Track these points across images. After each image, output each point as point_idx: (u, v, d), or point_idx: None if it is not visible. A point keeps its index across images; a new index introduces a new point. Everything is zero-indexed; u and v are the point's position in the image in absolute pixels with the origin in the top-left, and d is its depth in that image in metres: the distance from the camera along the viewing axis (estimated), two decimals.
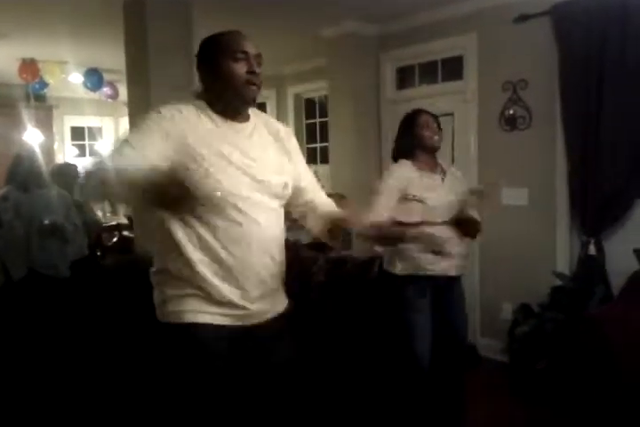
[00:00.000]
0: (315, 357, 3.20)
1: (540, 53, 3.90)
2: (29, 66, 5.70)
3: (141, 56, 3.74)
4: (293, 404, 1.83)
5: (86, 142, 8.66)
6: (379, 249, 3.04)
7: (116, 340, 3.03)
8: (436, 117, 2.85)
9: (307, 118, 6.55)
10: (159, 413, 1.80)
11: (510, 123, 4.10)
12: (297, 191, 1.86)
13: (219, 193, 1.59)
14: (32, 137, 6.55)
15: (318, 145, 6.18)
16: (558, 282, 3.72)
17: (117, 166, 1.48)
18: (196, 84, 1.79)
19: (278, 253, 1.77)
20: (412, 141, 2.80)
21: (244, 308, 1.66)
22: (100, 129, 8.75)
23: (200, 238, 1.62)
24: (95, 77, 6.08)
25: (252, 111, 1.78)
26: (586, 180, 3.65)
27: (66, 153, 8.19)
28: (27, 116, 6.45)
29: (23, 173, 3.73)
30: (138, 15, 3.74)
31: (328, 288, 3.59)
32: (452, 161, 4.33)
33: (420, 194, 2.68)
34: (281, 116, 6.46)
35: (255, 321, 1.70)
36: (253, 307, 1.68)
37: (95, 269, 4.00)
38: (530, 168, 4.02)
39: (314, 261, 3.81)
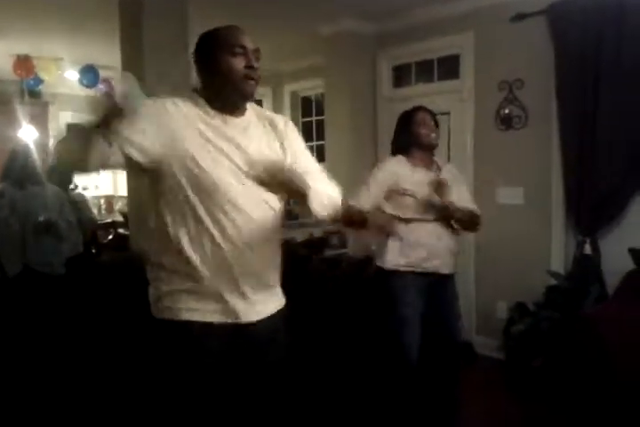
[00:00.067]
0: (310, 355, 3.21)
1: (536, 53, 3.91)
2: (24, 62, 5.68)
3: (136, 53, 3.72)
4: (286, 402, 1.83)
5: None
6: (372, 242, 3.03)
7: (111, 337, 3.02)
8: (433, 115, 2.86)
9: (303, 116, 6.55)
10: (153, 409, 1.79)
11: (506, 122, 4.10)
12: None
13: (213, 187, 1.59)
14: (27, 133, 6.53)
15: (315, 143, 6.16)
16: (554, 281, 3.72)
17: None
18: (194, 80, 1.78)
19: (273, 250, 1.77)
20: (409, 139, 2.81)
21: (237, 304, 1.65)
22: None
23: (194, 233, 1.61)
24: (91, 74, 6.05)
25: (250, 105, 1.77)
26: (582, 179, 3.65)
27: None
28: (22, 112, 6.42)
29: (18, 170, 3.72)
30: (133, 12, 3.72)
31: (323, 287, 3.59)
32: (448, 160, 4.32)
33: (411, 189, 2.70)
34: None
35: (250, 319, 1.68)
36: (247, 304, 1.67)
37: (90, 266, 3.98)
38: (526, 167, 4.03)
39: (309, 260, 3.81)
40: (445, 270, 2.79)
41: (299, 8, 4.36)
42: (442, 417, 2.86)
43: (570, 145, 3.72)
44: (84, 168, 1.50)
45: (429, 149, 2.83)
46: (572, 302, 3.45)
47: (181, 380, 1.67)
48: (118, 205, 7.71)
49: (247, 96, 1.68)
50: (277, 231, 1.77)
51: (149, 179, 1.66)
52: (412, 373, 2.77)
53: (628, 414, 2.65)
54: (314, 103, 6.45)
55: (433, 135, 2.80)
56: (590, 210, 3.64)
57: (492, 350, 4.08)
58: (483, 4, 4.14)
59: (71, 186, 4.69)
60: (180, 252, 1.62)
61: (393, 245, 2.76)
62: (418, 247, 2.73)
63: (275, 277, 1.78)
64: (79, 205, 4.49)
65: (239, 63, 1.63)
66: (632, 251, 3.31)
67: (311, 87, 6.25)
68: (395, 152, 2.90)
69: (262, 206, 1.68)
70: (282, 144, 1.79)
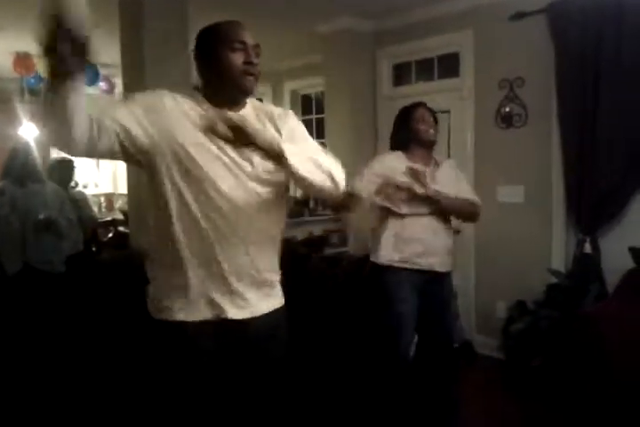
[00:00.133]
0: (311, 354, 3.21)
1: (536, 51, 3.90)
2: (24, 60, 5.67)
3: (137, 52, 3.72)
4: (285, 400, 1.82)
5: None
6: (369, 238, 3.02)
7: (110, 335, 3.02)
8: (432, 111, 2.85)
9: (303, 114, 6.54)
10: (150, 408, 1.79)
11: (506, 120, 4.10)
12: None
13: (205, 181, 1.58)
14: (27, 132, 6.52)
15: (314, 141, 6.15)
16: (553, 279, 3.72)
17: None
18: (194, 79, 1.77)
19: (271, 249, 1.75)
20: (408, 135, 2.81)
21: (228, 302, 1.64)
22: None
23: (187, 229, 1.60)
24: (91, 72, 6.05)
25: (250, 100, 1.75)
26: (582, 177, 3.65)
27: None
28: (22, 110, 6.41)
29: (18, 168, 3.72)
30: (134, 10, 3.72)
31: (323, 286, 3.60)
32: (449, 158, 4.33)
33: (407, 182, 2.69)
34: None
35: (241, 317, 1.66)
36: (239, 302, 1.65)
37: (90, 264, 3.98)
38: (526, 166, 4.03)
39: (309, 258, 3.81)
40: (441, 269, 2.77)
41: (298, 6, 4.36)
42: (441, 416, 2.86)
43: (570, 143, 3.72)
44: (71, 141, 1.43)
45: (428, 145, 2.82)
46: (571, 301, 3.45)
47: (176, 379, 1.67)
48: (118, 203, 7.73)
49: (246, 92, 1.67)
50: (277, 231, 1.76)
51: (147, 176, 1.65)
52: (406, 370, 2.77)
53: (627, 413, 2.65)
54: (314, 101, 6.45)
55: (432, 131, 2.80)
56: (590, 208, 3.64)
57: (491, 349, 4.08)
58: (482, 2, 4.14)
59: (72, 184, 4.70)
60: (173, 249, 1.61)
61: (387, 241, 2.76)
62: (412, 242, 2.71)
63: (272, 276, 1.76)
64: (79, 203, 4.50)
65: (238, 59, 1.61)
66: (632, 250, 3.31)
67: (311, 85, 6.24)
68: (393, 148, 2.89)
69: (259, 204, 1.66)
70: (279, 134, 1.72)
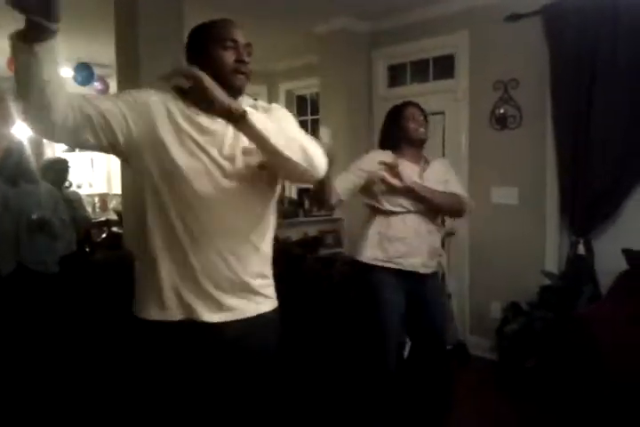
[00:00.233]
0: (305, 354, 3.21)
1: (531, 53, 3.91)
2: None
3: (132, 51, 3.72)
4: (264, 407, 1.77)
5: None
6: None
7: (104, 335, 3.01)
8: (422, 110, 2.85)
9: (298, 115, 6.53)
10: (134, 408, 1.79)
11: (501, 122, 4.11)
12: None
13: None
14: (21, 131, 6.50)
15: None
16: (547, 281, 3.73)
17: None
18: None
19: (254, 256, 1.68)
20: (398, 133, 2.81)
21: (199, 304, 1.60)
22: None
23: (162, 228, 1.59)
24: (86, 72, 6.03)
25: (244, 99, 1.70)
26: (576, 178, 3.66)
27: (55, 147, 8.12)
28: (16, 109, 6.38)
29: (12, 167, 3.70)
30: (129, 10, 3.71)
31: (318, 286, 3.60)
32: None
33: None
34: None
35: (220, 320, 1.62)
36: (211, 305, 1.61)
37: (84, 264, 3.97)
38: (520, 167, 4.04)
39: (303, 259, 3.81)
40: (423, 270, 2.75)
41: (294, 7, 4.36)
42: (433, 417, 2.86)
43: (564, 145, 3.73)
44: (51, 124, 1.40)
45: (418, 143, 2.81)
46: (565, 302, 3.46)
47: (153, 377, 1.67)
48: (112, 204, 7.69)
49: (235, 90, 1.63)
50: (258, 237, 1.69)
51: (133, 174, 1.64)
52: (393, 372, 2.75)
53: (621, 414, 2.66)
54: (309, 102, 6.45)
55: (422, 130, 2.79)
56: (584, 209, 3.65)
57: (485, 350, 4.09)
58: (477, 3, 4.15)
59: (66, 184, 4.68)
60: (148, 249, 1.60)
61: (372, 238, 2.75)
62: (396, 242, 2.70)
63: (256, 280, 1.69)
64: (73, 203, 4.49)
65: (229, 57, 1.60)
66: (625, 251, 3.32)
67: (306, 86, 6.25)
68: (383, 145, 2.89)
69: (237, 207, 1.62)
70: None
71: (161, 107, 1.59)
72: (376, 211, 2.78)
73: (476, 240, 4.30)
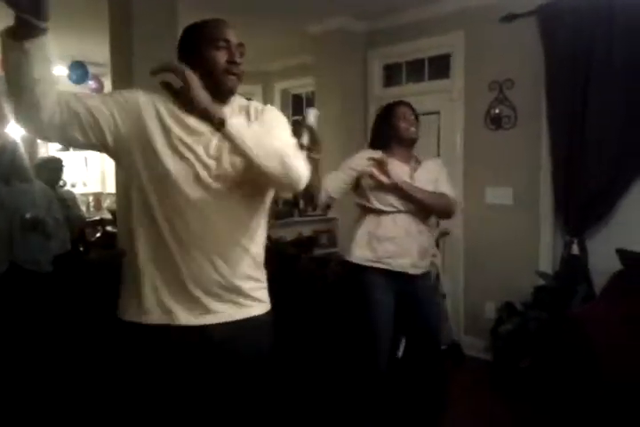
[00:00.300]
0: (299, 354, 3.20)
1: (526, 53, 3.92)
2: None
3: (126, 50, 3.71)
4: (257, 408, 1.75)
5: None
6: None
7: (98, 335, 3.00)
8: (413, 109, 2.84)
9: (294, 114, 6.53)
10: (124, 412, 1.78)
11: (496, 122, 4.12)
12: None
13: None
14: (14, 130, 6.47)
15: None
16: (542, 281, 3.74)
17: None
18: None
19: (237, 253, 1.64)
20: (389, 132, 2.80)
21: (182, 307, 1.58)
22: None
23: (147, 229, 1.58)
24: (80, 71, 6.01)
25: (237, 99, 1.70)
26: (571, 178, 3.67)
27: (49, 146, 8.09)
28: (9, 108, 6.35)
29: (5, 166, 3.69)
30: (123, 9, 3.71)
31: (312, 286, 3.59)
32: None
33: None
34: None
35: (202, 323, 1.60)
36: (196, 308, 1.59)
37: (78, 264, 3.96)
38: (515, 167, 4.04)
39: (298, 259, 3.80)
40: (413, 271, 2.73)
41: (289, 7, 4.35)
42: (427, 417, 2.85)
43: (559, 145, 3.73)
44: (40, 122, 1.41)
45: (409, 143, 2.81)
46: (559, 302, 3.47)
47: (134, 380, 1.67)
48: (107, 203, 7.66)
49: (227, 91, 1.62)
50: (247, 240, 1.66)
51: (122, 173, 1.63)
52: (380, 371, 2.73)
53: (615, 414, 2.66)
54: (304, 101, 6.44)
55: (413, 129, 2.78)
56: (579, 210, 3.65)
57: (479, 351, 4.10)
58: (473, 4, 4.15)
59: (60, 183, 4.67)
60: (132, 251, 1.60)
61: (361, 238, 2.75)
62: (385, 241, 2.69)
63: (246, 283, 1.66)
64: (67, 202, 4.48)
65: (221, 57, 1.58)
66: (619, 251, 3.33)
67: (302, 85, 6.24)
68: (373, 144, 2.88)
69: (223, 208, 1.60)
70: None
71: (150, 107, 1.57)
72: (367, 210, 2.78)
73: (470, 240, 4.31)
